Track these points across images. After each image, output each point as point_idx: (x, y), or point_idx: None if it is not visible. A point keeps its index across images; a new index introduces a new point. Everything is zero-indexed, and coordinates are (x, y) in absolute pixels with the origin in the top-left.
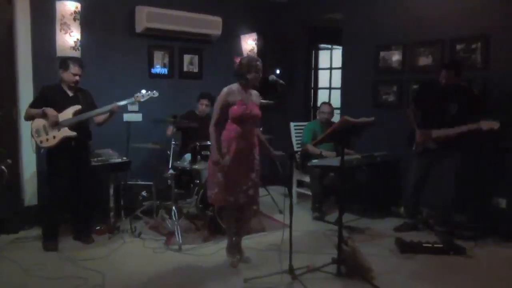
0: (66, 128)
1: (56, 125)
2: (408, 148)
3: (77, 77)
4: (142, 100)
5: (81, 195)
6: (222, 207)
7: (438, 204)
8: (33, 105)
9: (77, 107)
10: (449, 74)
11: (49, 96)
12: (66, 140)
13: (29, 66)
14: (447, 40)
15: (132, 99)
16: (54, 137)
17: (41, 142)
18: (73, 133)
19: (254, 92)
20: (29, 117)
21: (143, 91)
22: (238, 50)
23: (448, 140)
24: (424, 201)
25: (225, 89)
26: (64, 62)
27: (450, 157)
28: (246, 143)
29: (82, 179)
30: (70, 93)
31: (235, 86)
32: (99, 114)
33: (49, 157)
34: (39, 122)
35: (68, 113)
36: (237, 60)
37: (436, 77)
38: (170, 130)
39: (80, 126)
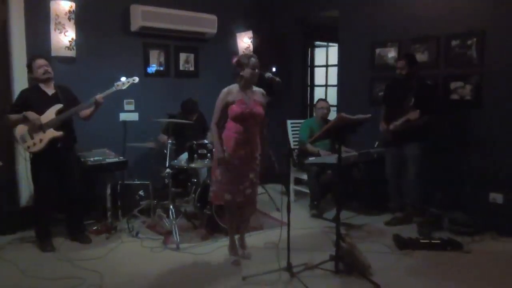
0: (52, 129)
1: (40, 127)
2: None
3: (44, 67)
4: (123, 87)
5: (72, 196)
6: (221, 205)
7: (409, 195)
8: (12, 110)
9: (59, 106)
10: (403, 64)
11: (28, 99)
12: (53, 141)
13: (23, 66)
14: (443, 37)
15: (113, 88)
16: (40, 140)
17: (28, 147)
18: (60, 133)
19: (259, 90)
20: (11, 124)
21: (123, 79)
22: (234, 48)
23: (403, 132)
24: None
25: (225, 89)
26: (28, 64)
27: (408, 147)
28: (246, 142)
29: (71, 180)
30: (49, 92)
31: (235, 86)
32: (83, 109)
33: (35, 161)
34: (22, 128)
35: (51, 113)
36: (234, 59)
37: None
38: (164, 138)
39: (65, 125)
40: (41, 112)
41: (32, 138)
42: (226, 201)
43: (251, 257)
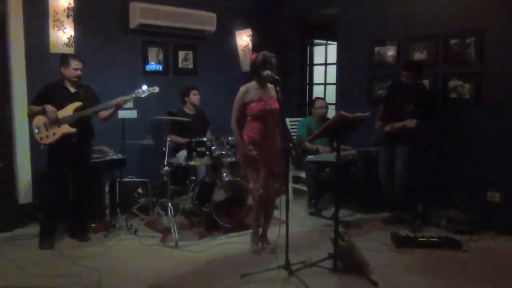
0: (66, 125)
1: (56, 121)
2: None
3: (78, 71)
4: (143, 95)
5: (80, 192)
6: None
7: (399, 194)
8: (34, 102)
9: (78, 103)
10: (408, 74)
11: (50, 93)
12: (66, 136)
13: (22, 63)
14: (442, 35)
15: (133, 95)
16: (54, 133)
17: (41, 139)
18: (73, 130)
19: (271, 86)
20: (31, 114)
21: (144, 87)
22: (232, 46)
23: (398, 134)
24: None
25: (242, 88)
26: (64, 58)
27: (400, 148)
28: (269, 138)
29: (82, 176)
30: (72, 90)
31: (252, 84)
32: (101, 110)
33: (50, 154)
34: (40, 119)
35: (69, 110)
36: (253, 57)
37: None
38: (178, 138)
39: (82, 123)
40: (61, 107)
41: (46, 130)
42: (261, 195)
43: (276, 251)
